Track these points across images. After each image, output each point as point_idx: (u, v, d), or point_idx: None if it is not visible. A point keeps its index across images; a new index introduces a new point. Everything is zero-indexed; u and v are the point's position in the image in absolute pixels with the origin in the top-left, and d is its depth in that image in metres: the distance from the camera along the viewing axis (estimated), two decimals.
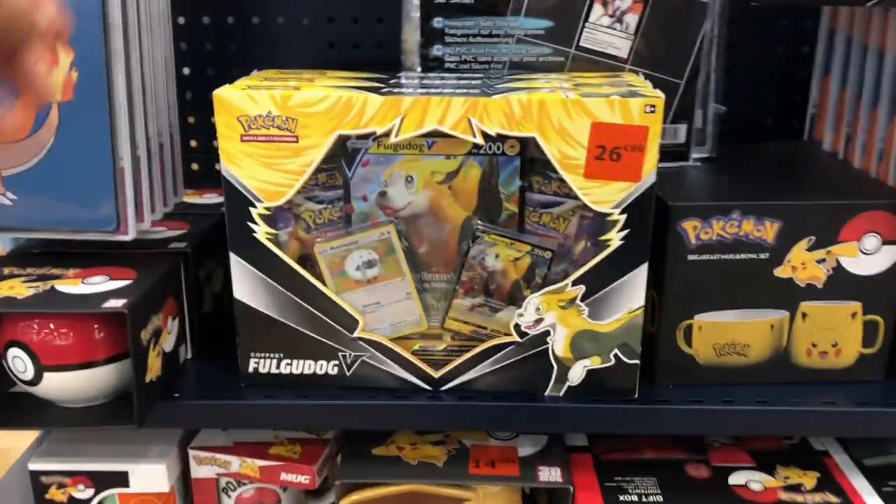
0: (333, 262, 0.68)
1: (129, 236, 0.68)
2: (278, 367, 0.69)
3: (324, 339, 0.68)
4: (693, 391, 0.70)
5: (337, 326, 0.68)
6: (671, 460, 0.77)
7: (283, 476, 0.76)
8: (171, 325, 0.70)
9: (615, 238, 0.64)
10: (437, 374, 0.69)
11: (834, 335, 0.70)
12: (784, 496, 0.71)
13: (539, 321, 0.67)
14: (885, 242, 0.68)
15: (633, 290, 0.65)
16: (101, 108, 0.64)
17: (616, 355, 0.67)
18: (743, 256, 0.67)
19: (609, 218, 0.63)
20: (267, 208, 0.65)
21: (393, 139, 0.63)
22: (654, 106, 0.60)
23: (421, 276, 0.70)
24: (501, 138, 0.65)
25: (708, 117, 0.81)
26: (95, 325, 0.65)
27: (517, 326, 0.67)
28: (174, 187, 0.77)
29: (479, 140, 0.62)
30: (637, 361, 0.67)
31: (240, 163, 0.63)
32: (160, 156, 0.73)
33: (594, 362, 0.68)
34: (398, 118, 0.62)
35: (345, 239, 0.68)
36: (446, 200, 0.68)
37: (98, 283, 0.66)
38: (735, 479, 0.74)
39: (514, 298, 0.69)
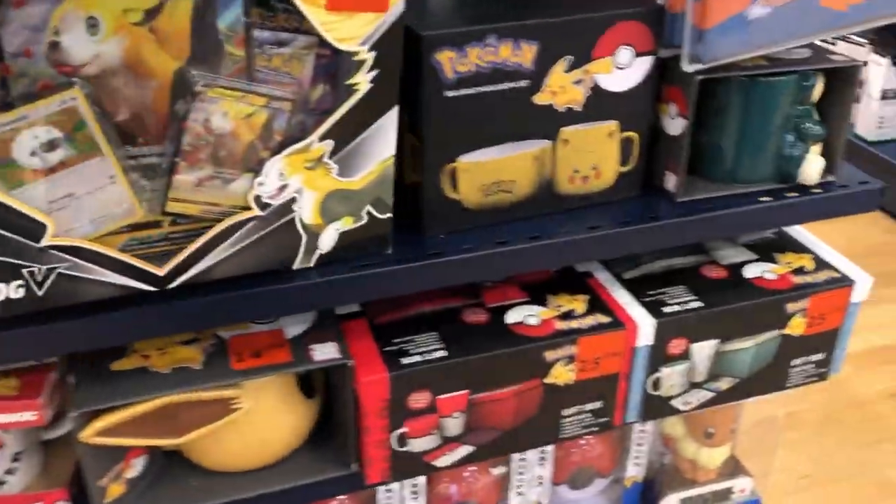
0: None
1: None
2: None
3: None
4: (464, 238, 0.71)
5: (14, 237, 0.55)
6: (448, 310, 0.79)
7: (1, 419, 0.66)
8: None
9: (364, 81, 0.60)
10: (161, 272, 0.61)
11: (593, 158, 0.74)
12: (560, 325, 0.77)
13: (283, 188, 0.62)
14: (638, 55, 0.70)
15: (384, 139, 0.63)
16: None
17: (369, 212, 0.66)
18: (502, 87, 0.67)
19: (356, 57, 0.59)
20: None
21: None
22: None
23: (127, 152, 0.60)
24: None
25: None
26: None
27: (258, 198, 0.62)
28: None
29: None
30: (390, 215, 0.67)
31: None
32: None
33: (346, 224, 0.66)
34: None
35: (6, 115, 0.55)
36: (149, 48, 0.58)
37: None
38: (512, 317, 0.78)
39: (251, 164, 0.62)
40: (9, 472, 0.73)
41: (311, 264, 0.66)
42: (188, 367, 0.68)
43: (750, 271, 0.85)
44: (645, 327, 0.78)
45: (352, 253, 0.66)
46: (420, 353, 0.73)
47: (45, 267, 0.57)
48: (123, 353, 0.70)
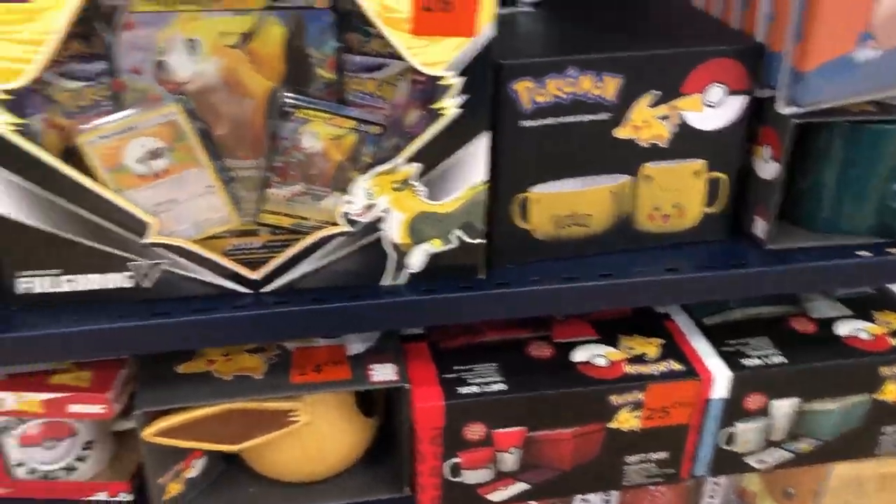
0: (107, 154, 0.60)
1: None
2: (57, 284, 0.63)
3: (108, 249, 0.62)
4: (533, 269, 0.70)
5: (122, 232, 0.62)
6: (513, 341, 0.78)
7: (72, 408, 0.71)
8: None
9: (451, 106, 0.61)
10: (256, 275, 0.66)
11: (676, 196, 0.72)
12: (629, 369, 0.74)
13: (370, 207, 0.64)
14: (730, 93, 0.67)
15: (474, 164, 0.64)
16: None
17: (459, 236, 0.66)
18: (581, 118, 0.65)
19: (442, 82, 0.60)
20: (5, 91, 0.55)
21: None
22: None
23: (224, 164, 0.64)
24: None
25: None
26: None
27: (346, 214, 0.64)
28: None
29: None
30: (482, 241, 0.67)
31: None
32: None
33: (435, 246, 0.66)
34: None
35: (118, 124, 0.60)
36: (244, 69, 0.61)
37: None
38: (579, 355, 0.76)
39: (340, 183, 0.64)
40: (79, 458, 0.77)
41: (400, 283, 0.67)
42: (250, 376, 0.70)
43: (842, 328, 0.80)
44: (721, 379, 0.75)
45: (442, 275, 0.67)
46: (479, 384, 0.72)
47: (149, 262, 0.63)
48: (191, 355, 0.72)
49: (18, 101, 0.56)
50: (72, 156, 0.60)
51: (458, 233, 0.66)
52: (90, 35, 0.57)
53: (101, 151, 0.60)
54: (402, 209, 0.64)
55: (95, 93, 0.59)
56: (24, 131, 0.57)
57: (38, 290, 0.63)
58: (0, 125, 0.56)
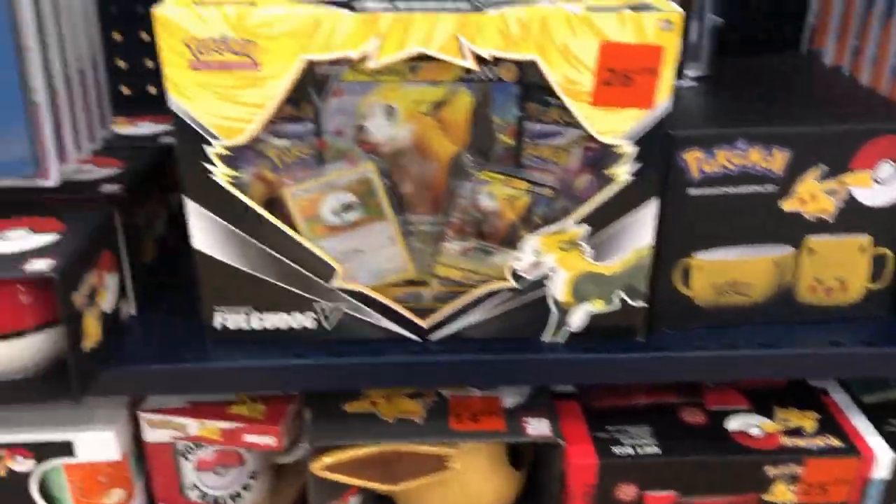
0: (306, 205, 0.67)
1: (52, 181, 0.65)
2: (248, 321, 0.69)
3: (298, 291, 0.68)
4: (692, 335, 0.71)
5: (312, 276, 0.67)
6: (664, 405, 0.78)
7: (247, 438, 0.76)
8: (108, 281, 0.67)
9: (622, 172, 0.64)
10: (425, 324, 0.70)
11: (840, 270, 0.72)
12: (786, 441, 0.74)
13: (537, 265, 0.67)
14: None
15: (641, 229, 0.66)
16: (3, 35, 0.60)
17: (621, 298, 0.69)
18: (748, 189, 0.67)
19: (616, 150, 0.63)
20: (226, 147, 0.63)
21: (371, 64, 0.60)
22: (671, 22, 0.59)
23: (406, 218, 0.69)
24: (496, 62, 0.62)
25: (704, 30, 0.78)
26: (19, 290, 0.62)
27: (513, 270, 0.67)
28: (101, 119, 0.73)
29: (472, 64, 0.60)
30: (644, 304, 0.69)
31: (191, 95, 0.61)
32: (82, 83, 0.68)
33: (597, 306, 0.69)
34: (375, 40, 0.59)
35: (318, 180, 0.66)
36: (433, 134, 0.66)
37: (18, 239, 0.64)
38: (732, 424, 0.76)
39: (510, 240, 0.68)
40: (245, 487, 0.82)
41: (561, 340, 0.70)
42: (411, 419, 0.74)
43: None
44: (883, 459, 0.73)
45: (602, 336, 0.70)
46: (632, 446, 0.74)
47: (332, 304, 0.68)
48: (356, 395, 0.77)
49: (234, 156, 0.63)
50: (274, 206, 0.66)
51: (621, 294, 0.69)
52: (300, 100, 0.64)
53: (301, 203, 0.66)
54: (568, 268, 0.67)
55: (301, 150, 0.66)
56: (237, 182, 0.64)
57: (231, 325, 0.69)
58: (219, 176, 0.63)
